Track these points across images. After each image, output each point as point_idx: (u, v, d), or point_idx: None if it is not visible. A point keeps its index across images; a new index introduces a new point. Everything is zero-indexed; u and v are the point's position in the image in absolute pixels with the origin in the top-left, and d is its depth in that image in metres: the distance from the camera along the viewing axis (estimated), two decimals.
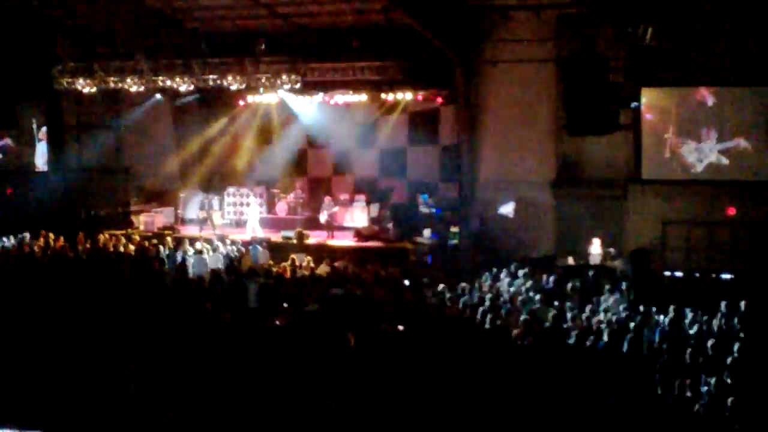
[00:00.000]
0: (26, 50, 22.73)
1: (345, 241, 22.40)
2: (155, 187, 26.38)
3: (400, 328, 13.45)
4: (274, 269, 18.12)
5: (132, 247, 20.58)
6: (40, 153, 25.45)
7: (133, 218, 24.69)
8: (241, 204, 25.31)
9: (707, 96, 20.20)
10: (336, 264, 18.74)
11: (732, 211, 19.91)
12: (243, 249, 20.12)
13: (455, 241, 21.11)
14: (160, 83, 22.26)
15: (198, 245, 19.81)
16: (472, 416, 9.63)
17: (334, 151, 26.03)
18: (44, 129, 25.42)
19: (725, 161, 20.08)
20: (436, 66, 21.38)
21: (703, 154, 20.26)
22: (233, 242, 20.97)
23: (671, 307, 14.24)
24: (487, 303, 14.28)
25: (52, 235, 20.97)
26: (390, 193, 24.95)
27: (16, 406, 10.18)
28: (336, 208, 23.67)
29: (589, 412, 10.09)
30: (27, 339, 13.00)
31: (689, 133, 20.37)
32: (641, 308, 14.62)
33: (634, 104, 20.32)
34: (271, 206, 25.45)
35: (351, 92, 23.32)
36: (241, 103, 25.85)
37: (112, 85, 22.60)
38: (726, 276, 18.27)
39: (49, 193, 24.30)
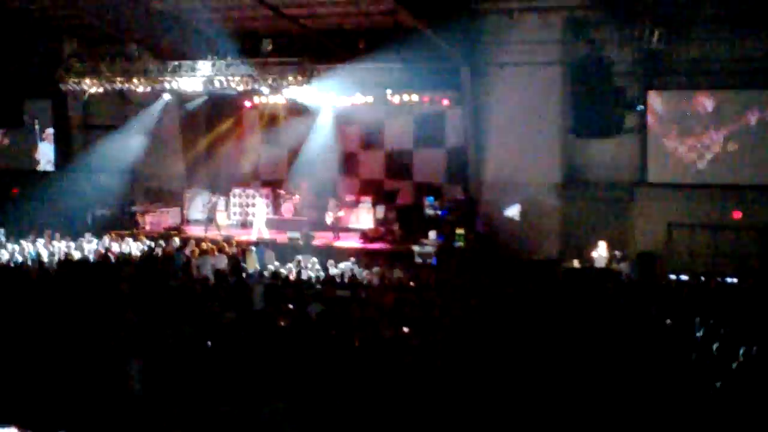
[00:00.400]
0: (33, 50, 22.80)
1: (351, 242, 22.43)
2: (161, 188, 26.42)
3: (405, 330, 13.47)
4: (280, 270, 18.14)
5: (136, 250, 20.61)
6: (43, 153, 25.48)
7: (139, 219, 24.73)
8: (247, 205, 25.36)
9: (709, 98, 20.16)
10: (340, 265, 18.76)
11: (738, 215, 19.89)
12: (247, 249, 20.12)
13: (461, 243, 21.09)
14: (167, 84, 22.30)
15: (203, 246, 19.85)
16: (477, 418, 9.63)
17: (341, 152, 26.06)
18: (49, 130, 25.44)
19: (733, 147, 19.97)
20: (443, 68, 21.39)
21: (705, 148, 20.19)
22: (238, 243, 20.99)
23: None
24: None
25: (58, 235, 21.06)
26: (396, 195, 24.96)
27: (20, 406, 10.20)
28: (342, 213, 23.68)
29: (592, 412, 10.09)
30: (32, 339, 13.04)
31: (691, 130, 20.32)
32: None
33: (639, 107, 20.31)
34: (276, 207, 25.48)
35: (358, 94, 23.35)
36: (248, 103, 25.89)
37: (118, 85, 22.64)
38: (731, 280, 18.25)
39: (55, 194, 24.34)
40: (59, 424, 9.64)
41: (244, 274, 17.55)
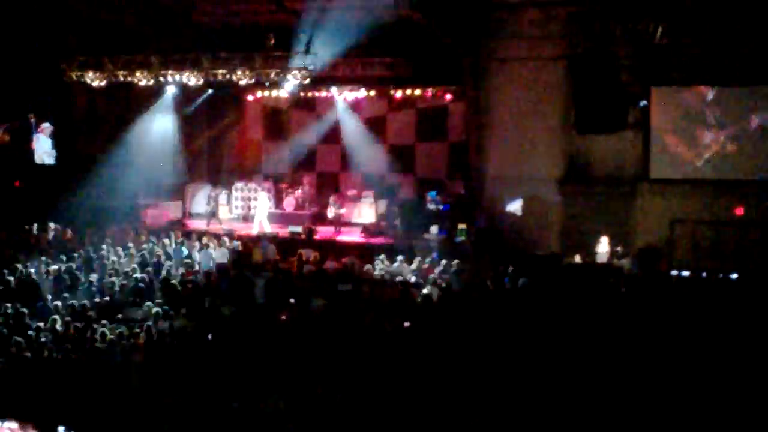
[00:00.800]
0: (36, 43, 22.75)
1: (352, 236, 22.44)
2: (163, 181, 26.34)
3: (406, 324, 13.50)
4: (281, 264, 18.16)
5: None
6: (39, 146, 25.28)
7: (141, 212, 24.66)
8: (249, 199, 25.33)
9: (712, 94, 20.10)
10: (343, 260, 18.77)
11: (740, 211, 19.84)
12: (251, 243, 20.12)
13: (462, 238, 21.08)
14: (170, 77, 22.25)
15: (205, 239, 19.88)
16: (477, 412, 9.64)
17: (343, 146, 26.06)
18: (45, 124, 25.23)
19: (736, 143, 19.92)
20: (446, 62, 21.37)
21: (708, 144, 20.14)
22: (240, 237, 21.00)
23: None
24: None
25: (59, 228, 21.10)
26: (398, 189, 24.97)
27: (20, 400, 10.22)
28: (343, 210, 23.69)
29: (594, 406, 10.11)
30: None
31: (694, 126, 20.27)
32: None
33: (642, 103, 20.27)
34: (278, 201, 25.47)
35: (360, 88, 23.34)
36: (250, 97, 25.87)
37: (121, 78, 22.59)
38: (733, 276, 18.24)
39: (58, 187, 24.29)
40: (59, 419, 9.65)
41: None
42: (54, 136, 24.39)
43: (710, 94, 20.10)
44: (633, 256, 19.37)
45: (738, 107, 19.94)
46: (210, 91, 24.40)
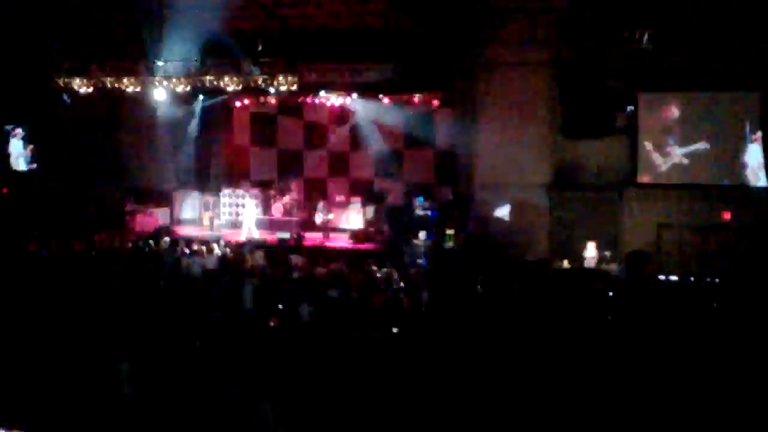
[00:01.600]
0: (23, 49, 22.68)
1: (340, 242, 22.42)
2: (151, 188, 26.27)
3: (395, 330, 13.48)
4: (269, 271, 18.08)
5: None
6: (14, 150, 25.13)
7: (129, 219, 24.59)
8: (237, 205, 25.28)
9: (698, 99, 20.23)
10: (331, 266, 18.72)
11: (727, 216, 19.92)
12: (244, 251, 20.04)
13: (450, 244, 21.09)
14: (157, 83, 22.21)
15: (194, 246, 19.79)
16: (468, 419, 9.63)
17: (330, 152, 26.06)
18: (18, 129, 25.08)
19: (722, 148, 20.03)
20: (433, 68, 21.38)
21: (695, 149, 20.26)
22: (228, 243, 20.93)
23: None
24: None
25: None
26: (386, 195, 24.97)
27: (8, 406, 10.15)
28: (331, 216, 23.67)
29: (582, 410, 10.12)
30: (20, 338, 12.98)
31: (681, 131, 20.40)
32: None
33: (629, 108, 20.34)
34: (266, 207, 25.43)
35: (348, 94, 23.34)
36: (238, 104, 25.84)
37: (108, 85, 22.53)
38: (720, 280, 18.30)
39: (42, 193, 24.20)
40: (48, 425, 9.60)
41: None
42: (27, 139, 24.31)
43: (676, 113, 20.23)
44: (621, 261, 19.42)
45: (726, 108, 20.06)
46: (201, 97, 24.35)
